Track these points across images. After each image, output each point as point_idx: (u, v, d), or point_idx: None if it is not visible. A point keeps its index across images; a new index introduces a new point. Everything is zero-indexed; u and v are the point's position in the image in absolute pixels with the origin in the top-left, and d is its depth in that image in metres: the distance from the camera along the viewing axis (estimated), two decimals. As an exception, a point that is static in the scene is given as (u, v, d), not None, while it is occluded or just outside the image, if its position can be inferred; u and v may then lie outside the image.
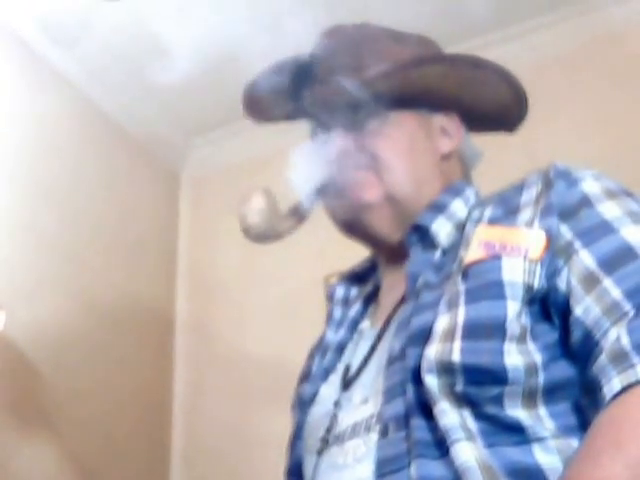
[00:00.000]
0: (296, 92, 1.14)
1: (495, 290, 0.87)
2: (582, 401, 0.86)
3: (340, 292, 1.21)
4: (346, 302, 1.20)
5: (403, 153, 1.08)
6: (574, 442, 0.82)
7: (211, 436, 2.54)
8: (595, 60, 2.41)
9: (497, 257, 0.90)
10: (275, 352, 2.48)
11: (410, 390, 0.87)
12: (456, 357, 0.84)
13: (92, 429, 2.22)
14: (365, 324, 1.13)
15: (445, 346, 0.86)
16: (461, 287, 0.90)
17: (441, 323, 0.88)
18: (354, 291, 1.21)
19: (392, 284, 1.10)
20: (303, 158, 1.09)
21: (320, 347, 1.18)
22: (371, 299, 1.17)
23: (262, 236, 1.09)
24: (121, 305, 2.48)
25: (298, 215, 1.09)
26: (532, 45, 2.49)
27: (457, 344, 0.85)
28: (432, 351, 0.86)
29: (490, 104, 1.16)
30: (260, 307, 2.63)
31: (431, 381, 0.85)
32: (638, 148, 2.19)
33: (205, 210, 2.92)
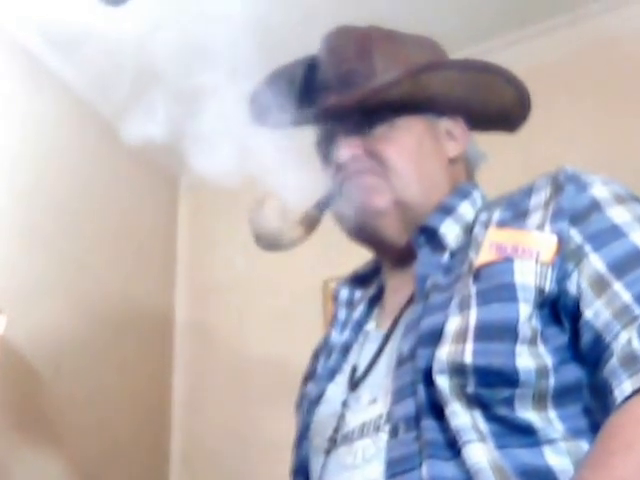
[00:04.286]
0: (303, 97, 1.14)
1: (507, 292, 0.88)
2: (591, 404, 0.86)
3: (344, 294, 1.22)
4: (350, 304, 1.21)
5: (411, 158, 1.09)
6: (584, 444, 0.83)
7: (211, 439, 2.54)
8: (590, 66, 2.43)
9: (509, 259, 0.90)
10: (274, 355, 2.48)
11: (421, 391, 0.87)
12: (468, 359, 0.85)
13: (92, 433, 2.22)
14: (370, 325, 1.13)
15: (457, 347, 0.86)
16: (472, 289, 0.90)
17: (452, 324, 0.89)
18: (358, 293, 1.22)
19: (397, 286, 1.10)
20: (310, 164, 1.09)
21: (324, 348, 1.18)
22: (375, 301, 1.17)
23: (274, 245, 1.08)
24: (121, 309, 2.48)
25: (309, 223, 1.09)
26: (528, 51, 2.51)
27: (469, 346, 0.85)
28: (444, 352, 0.87)
29: (494, 106, 1.16)
30: (259, 311, 2.64)
31: (442, 382, 0.85)
32: (634, 153, 2.21)
33: (204, 214, 2.93)
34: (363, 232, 1.11)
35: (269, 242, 1.08)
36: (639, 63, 2.35)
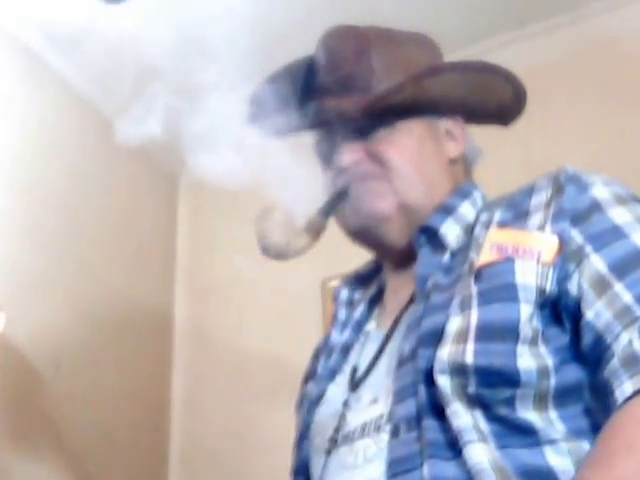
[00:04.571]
0: (302, 101, 1.14)
1: (508, 293, 0.88)
2: (592, 404, 0.86)
3: (344, 294, 1.22)
4: (350, 304, 1.21)
5: (413, 160, 1.09)
6: (585, 445, 0.83)
7: (210, 439, 2.54)
8: (590, 65, 2.43)
9: (510, 260, 0.90)
10: (273, 355, 2.49)
11: (422, 391, 0.87)
12: (469, 359, 0.85)
13: (91, 431, 2.22)
14: (371, 326, 1.13)
15: (458, 348, 0.86)
16: (474, 289, 0.90)
17: (453, 324, 0.89)
18: (358, 293, 1.22)
19: (398, 287, 1.10)
20: (312, 170, 1.09)
21: (325, 348, 1.18)
22: (375, 301, 1.17)
23: (281, 254, 1.08)
24: (120, 309, 2.48)
25: (314, 230, 1.08)
26: (528, 51, 2.51)
27: (470, 346, 0.85)
28: (445, 352, 0.87)
29: (493, 104, 1.17)
30: (258, 311, 2.64)
31: (444, 382, 0.86)
32: (634, 153, 2.21)
33: (204, 214, 2.93)
34: (366, 236, 1.11)
35: (276, 252, 1.08)
36: (639, 63, 2.35)
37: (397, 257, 1.12)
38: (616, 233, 0.88)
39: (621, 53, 2.39)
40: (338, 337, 1.16)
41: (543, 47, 2.53)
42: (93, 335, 2.33)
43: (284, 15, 2.35)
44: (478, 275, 0.92)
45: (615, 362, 0.81)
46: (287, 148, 1.09)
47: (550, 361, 0.86)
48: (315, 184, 1.09)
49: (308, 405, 1.10)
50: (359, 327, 1.15)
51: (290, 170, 1.05)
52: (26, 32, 2.36)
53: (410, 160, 1.09)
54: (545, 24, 2.54)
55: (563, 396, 0.86)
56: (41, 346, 2.11)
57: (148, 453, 2.50)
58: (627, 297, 0.83)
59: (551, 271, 0.88)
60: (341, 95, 1.10)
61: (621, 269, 0.85)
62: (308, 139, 1.19)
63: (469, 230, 1.03)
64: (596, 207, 0.91)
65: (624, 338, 0.81)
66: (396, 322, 1.04)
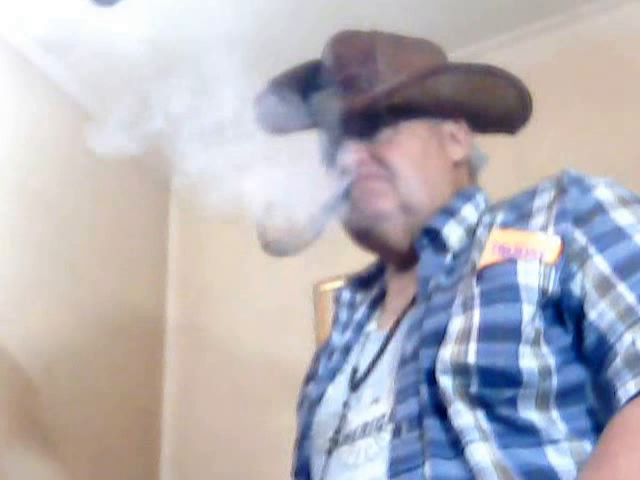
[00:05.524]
0: (307, 102, 1.14)
1: (511, 293, 0.88)
2: (594, 404, 0.86)
3: (346, 296, 1.22)
4: (352, 305, 1.21)
5: (416, 162, 1.09)
6: (587, 445, 0.83)
7: (201, 442, 2.53)
8: (584, 67, 2.44)
9: (512, 260, 0.91)
10: (265, 358, 2.48)
11: (424, 391, 0.87)
12: (471, 359, 0.85)
13: (84, 436, 2.21)
14: (372, 327, 1.14)
15: (460, 348, 0.86)
16: (476, 290, 0.90)
17: (455, 325, 0.89)
18: (360, 295, 1.22)
19: (400, 288, 1.11)
20: (315, 170, 1.09)
21: (326, 349, 1.18)
22: (377, 303, 1.18)
23: (281, 251, 1.08)
24: (112, 314, 2.47)
25: (315, 229, 1.08)
26: (522, 52, 2.52)
27: (472, 346, 0.85)
28: (447, 352, 0.87)
29: (497, 109, 1.17)
30: (250, 314, 2.63)
31: (446, 382, 0.85)
32: (629, 155, 2.22)
33: (195, 218, 2.92)
34: (368, 236, 1.11)
35: (276, 249, 1.08)
36: (631, 64, 2.36)
37: (399, 259, 1.12)
38: (619, 234, 0.89)
39: (616, 54, 2.39)
40: (339, 338, 1.16)
41: (538, 48, 2.53)
42: (85, 339, 2.31)
43: (277, 10, 2.34)
44: (480, 276, 0.92)
45: (618, 362, 0.81)
46: (288, 148, 1.09)
47: (552, 361, 0.86)
48: (317, 183, 1.08)
49: (308, 405, 1.10)
50: (360, 328, 1.15)
51: (291, 169, 1.05)
52: (17, 35, 2.35)
53: (412, 162, 1.09)
54: (540, 25, 2.54)
55: (565, 396, 0.86)
56: (33, 351, 2.10)
57: (140, 457, 2.49)
58: (630, 298, 0.83)
59: (553, 271, 0.88)
60: (346, 97, 1.11)
61: (624, 270, 0.86)
62: (309, 139, 1.19)
63: (471, 232, 1.04)
64: (599, 208, 0.92)
65: (627, 338, 0.81)
66: (397, 323, 1.04)
